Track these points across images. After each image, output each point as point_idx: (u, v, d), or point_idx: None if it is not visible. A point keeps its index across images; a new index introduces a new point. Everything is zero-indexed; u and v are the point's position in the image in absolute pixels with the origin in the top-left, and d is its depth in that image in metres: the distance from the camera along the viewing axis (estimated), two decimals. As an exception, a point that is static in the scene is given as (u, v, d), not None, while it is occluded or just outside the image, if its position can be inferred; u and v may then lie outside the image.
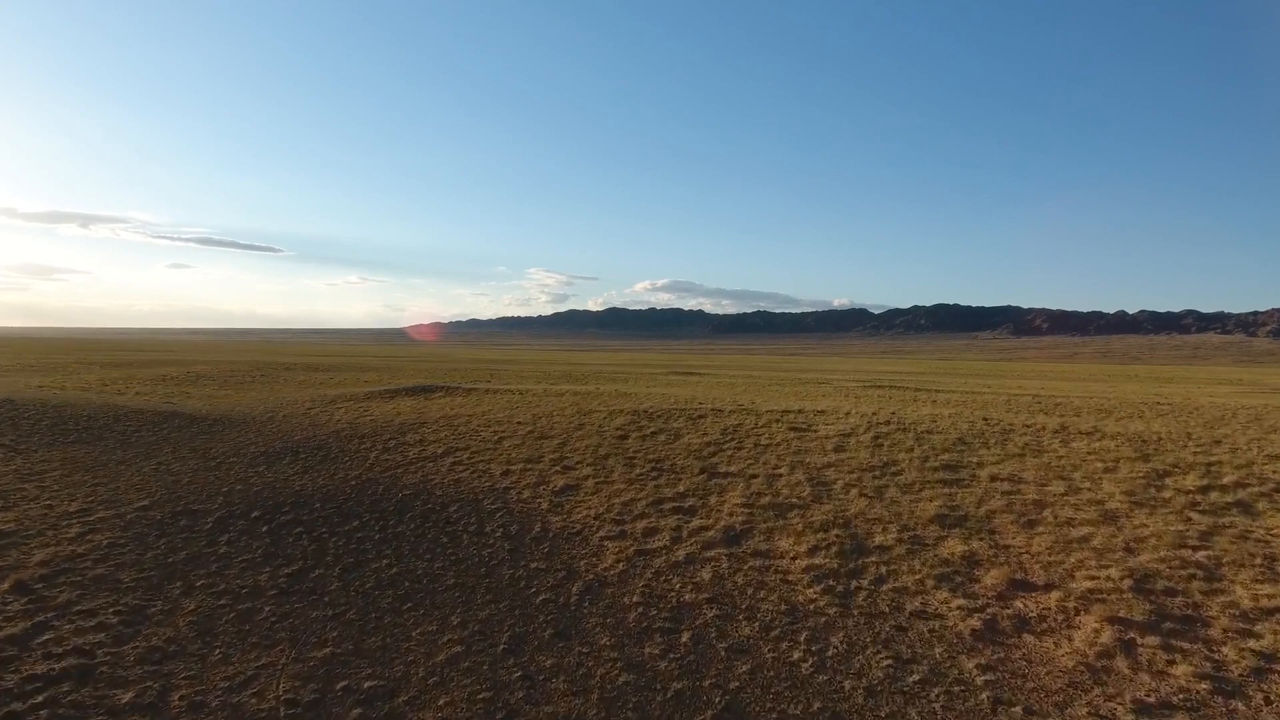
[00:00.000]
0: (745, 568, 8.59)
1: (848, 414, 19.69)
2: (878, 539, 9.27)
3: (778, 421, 17.87)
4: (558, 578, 8.54)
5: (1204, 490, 11.09)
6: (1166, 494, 11.08)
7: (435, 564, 9.07)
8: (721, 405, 21.51)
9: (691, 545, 9.31)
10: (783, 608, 7.59)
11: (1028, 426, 17.50)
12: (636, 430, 16.69)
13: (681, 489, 11.75)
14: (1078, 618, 7.13)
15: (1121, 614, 7.08)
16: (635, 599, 7.90)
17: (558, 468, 13.23)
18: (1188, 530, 9.23)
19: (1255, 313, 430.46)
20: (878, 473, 12.32)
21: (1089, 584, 7.67)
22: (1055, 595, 7.49)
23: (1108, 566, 8.07)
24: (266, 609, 7.91)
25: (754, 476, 12.28)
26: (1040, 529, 9.42)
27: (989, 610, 7.37)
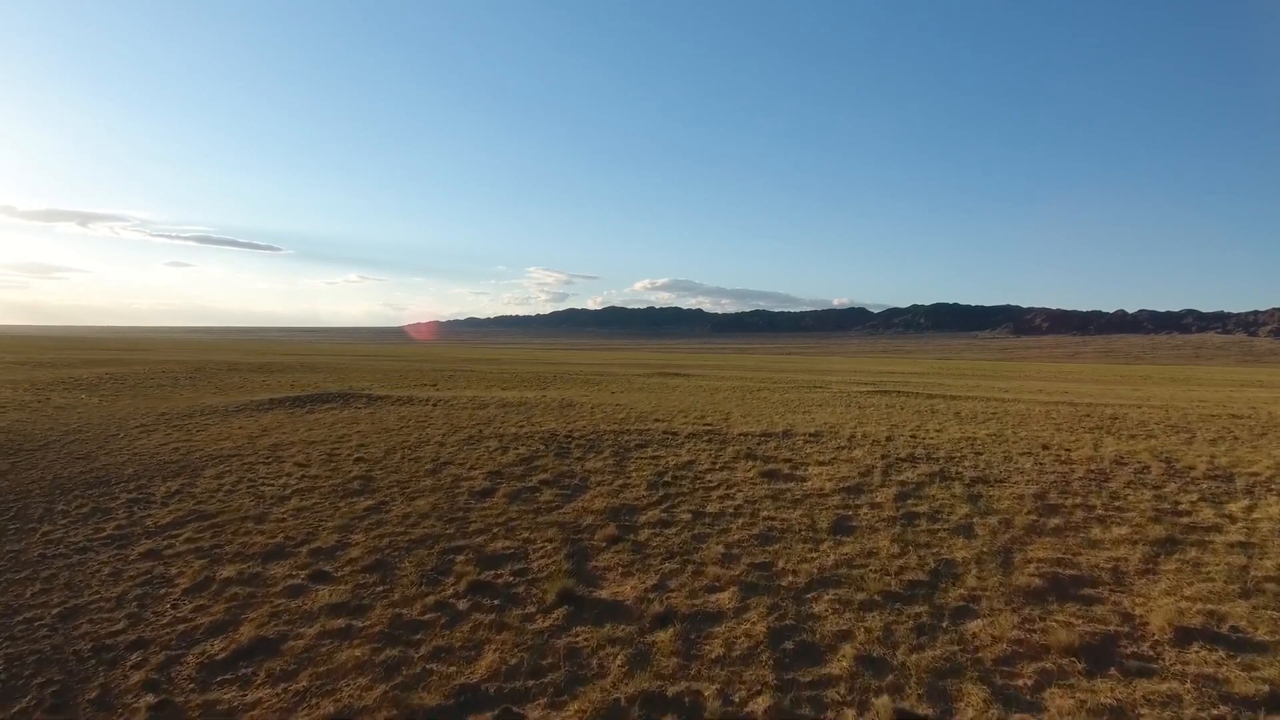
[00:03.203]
0: None
1: (850, 438, 13.71)
2: None
3: (748, 457, 11.88)
4: None
5: None
6: None
7: None
8: (681, 424, 15.52)
9: None
10: None
11: (1120, 464, 11.51)
12: (519, 477, 10.63)
13: (480, 673, 5.17)
14: None
15: None
16: None
17: (302, 577, 6.97)
18: None
19: (1256, 312, 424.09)
20: (920, 605, 5.97)
21: None
22: None
23: None
24: None
25: (664, 623, 5.84)
26: None
27: None
